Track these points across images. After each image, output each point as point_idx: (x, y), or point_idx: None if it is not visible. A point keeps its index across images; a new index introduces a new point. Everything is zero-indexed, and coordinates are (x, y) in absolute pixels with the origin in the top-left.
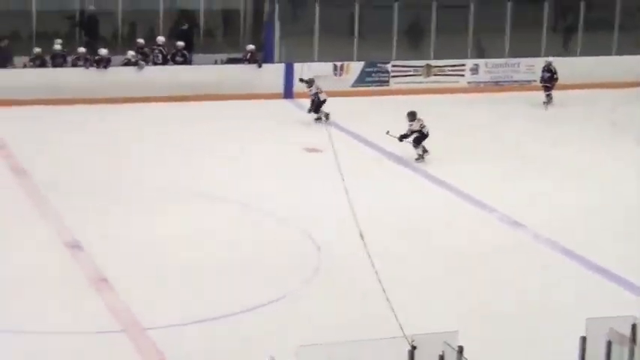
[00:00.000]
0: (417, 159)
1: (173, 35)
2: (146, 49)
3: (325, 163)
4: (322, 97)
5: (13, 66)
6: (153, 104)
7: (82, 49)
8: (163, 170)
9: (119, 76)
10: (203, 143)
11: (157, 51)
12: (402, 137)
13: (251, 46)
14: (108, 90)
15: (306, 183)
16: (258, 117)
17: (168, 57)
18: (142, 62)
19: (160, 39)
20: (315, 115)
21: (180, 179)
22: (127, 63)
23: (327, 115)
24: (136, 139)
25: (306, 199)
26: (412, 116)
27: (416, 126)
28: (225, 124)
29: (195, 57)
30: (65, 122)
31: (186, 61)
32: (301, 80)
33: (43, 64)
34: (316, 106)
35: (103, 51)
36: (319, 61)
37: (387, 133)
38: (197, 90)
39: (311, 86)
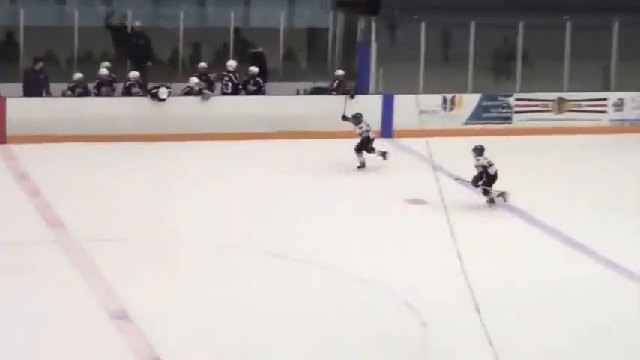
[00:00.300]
0: (487, 201)
1: (244, 59)
2: (212, 76)
3: (431, 218)
4: (371, 135)
5: (50, 94)
6: (219, 143)
7: (134, 74)
8: (231, 224)
9: (179, 107)
10: (279, 191)
11: (226, 78)
12: (475, 181)
13: (340, 72)
14: (165, 124)
15: (407, 242)
16: (349, 160)
17: (240, 85)
18: (208, 91)
19: (231, 63)
20: (358, 160)
21: (252, 236)
22: (189, 92)
23: (383, 153)
24: (197, 186)
25: (407, 262)
26: (479, 152)
27: (483, 161)
28: (307, 169)
29: (271, 85)
30: (112, 164)
31: (260, 91)
32: (345, 118)
33: (85, 93)
34: (362, 145)
35: (164, 94)
36: (425, 92)
37: (457, 179)
38: (274, 126)
39: (359, 123)
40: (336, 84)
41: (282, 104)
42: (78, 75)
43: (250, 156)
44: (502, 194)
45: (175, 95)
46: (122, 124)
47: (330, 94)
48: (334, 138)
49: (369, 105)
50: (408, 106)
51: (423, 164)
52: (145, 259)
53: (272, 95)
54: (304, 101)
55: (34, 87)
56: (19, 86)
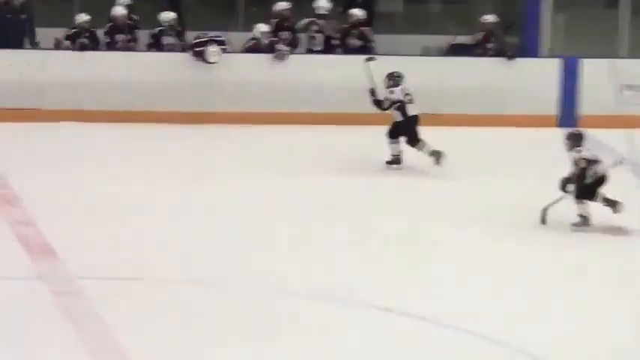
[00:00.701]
0: (574, 224)
1: None
2: (300, 24)
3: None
4: (411, 110)
5: (36, 44)
6: (300, 128)
7: (167, 16)
8: (308, 260)
9: (238, 71)
10: (396, 214)
11: (314, 27)
12: (573, 184)
13: (489, 18)
14: (214, 97)
15: (591, 298)
16: (503, 161)
17: (335, 39)
18: (284, 47)
19: (323, 4)
20: (390, 151)
21: (308, 273)
22: (254, 48)
23: (436, 156)
24: (260, 196)
25: (554, 314)
26: (576, 139)
27: (580, 155)
28: (439, 173)
29: (385, 40)
30: (129, 157)
31: (367, 48)
32: (372, 93)
33: (92, 44)
34: (408, 128)
35: (213, 55)
36: (629, 56)
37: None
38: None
39: (395, 86)
40: (481, 38)
41: (401, 69)
42: (82, 17)
43: (350, 150)
44: (584, 220)
45: (233, 52)
46: (147, 94)
47: (476, 54)
48: (484, 125)
49: (540, 74)
50: (601, 78)
51: (623, 170)
52: (174, 309)
53: (385, 55)
54: (437, 65)
55: (11, 32)
56: None
